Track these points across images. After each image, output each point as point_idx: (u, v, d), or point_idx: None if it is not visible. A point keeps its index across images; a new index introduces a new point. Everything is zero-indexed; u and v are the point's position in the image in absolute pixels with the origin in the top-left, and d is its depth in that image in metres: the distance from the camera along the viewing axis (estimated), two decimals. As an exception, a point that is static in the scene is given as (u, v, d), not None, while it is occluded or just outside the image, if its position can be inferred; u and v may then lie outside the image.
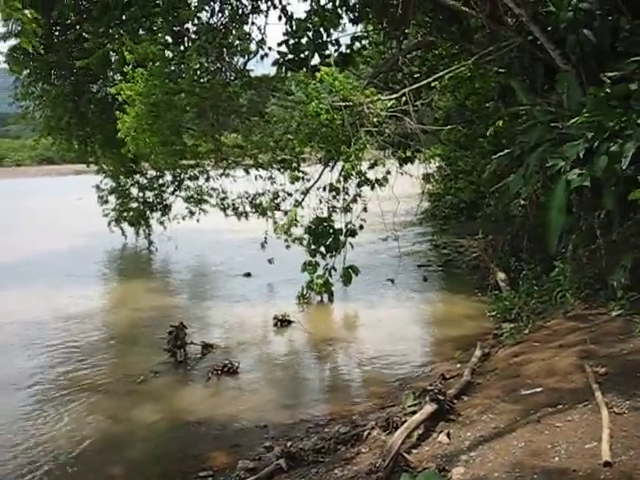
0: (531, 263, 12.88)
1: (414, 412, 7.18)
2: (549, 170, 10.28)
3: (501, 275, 13.41)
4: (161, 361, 10.04)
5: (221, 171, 17.64)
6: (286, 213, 13.93)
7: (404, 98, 13.56)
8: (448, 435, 6.43)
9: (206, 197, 20.26)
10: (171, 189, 22.01)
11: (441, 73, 12.91)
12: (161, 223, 22.25)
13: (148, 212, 22.53)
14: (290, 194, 14.50)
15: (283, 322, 12.00)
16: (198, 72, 15.25)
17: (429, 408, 6.77)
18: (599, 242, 10.45)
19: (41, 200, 39.59)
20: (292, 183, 14.08)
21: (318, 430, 7.43)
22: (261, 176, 15.46)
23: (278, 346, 11.14)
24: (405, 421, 6.74)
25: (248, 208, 16.02)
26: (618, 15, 11.30)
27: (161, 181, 22.06)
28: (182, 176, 20.99)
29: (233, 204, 16.70)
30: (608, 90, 10.17)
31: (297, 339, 11.56)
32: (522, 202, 12.70)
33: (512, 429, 6.21)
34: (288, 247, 13.97)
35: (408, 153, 15.39)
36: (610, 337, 8.40)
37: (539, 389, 7.10)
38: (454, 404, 7.15)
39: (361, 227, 14.27)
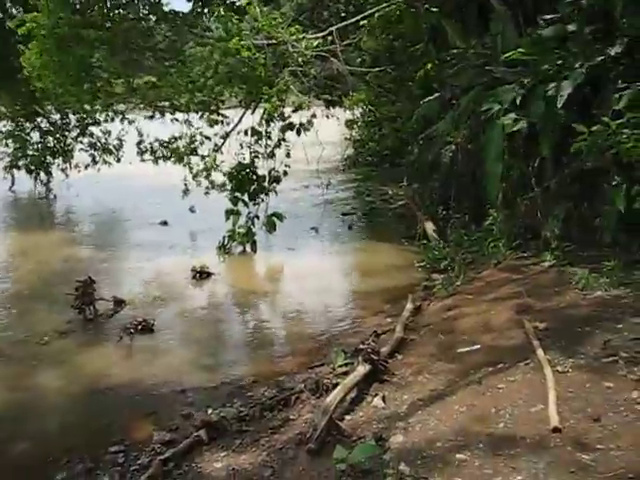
0: (460, 212, 12.56)
1: (345, 373, 6.73)
2: (483, 115, 9.82)
3: (429, 224, 13.03)
4: (68, 319, 9.17)
5: (136, 114, 16.50)
6: (204, 158, 13.06)
7: (330, 37, 12.84)
8: (383, 399, 5.98)
9: (111, 146, 19.21)
10: (74, 134, 20.66)
11: (370, 11, 12.19)
12: (62, 170, 20.95)
13: (49, 158, 21.10)
14: (209, 138, 13.60)
15: (202, 274, 11.25)
16: (108, 4, 14.05)
17: (362, 369, 6.29)
18: (534, 191, 10.16)
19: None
20: (211, 127, 13.18)
21: (241, 394, 6.84)
22: (177, 119, 14.49)
23: (197, 300, 10.39)
24: (336, 384, 6.24)
25: (165, 152, 15.00)
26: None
27: (63, 125, 20.64)
28: (87, 120, 19.66)
29: (151, 148, 15.62)
30: (544, 31, 9.73)
31: (217, 292, 10.88)
32: (451, 148, 12.26)
33: (451, 391, 5.80)
34: (207, 194, 13.18)
35: (334, 96, 14.68)
36: (545, 289, 8.13)
37: (477, 346, 6.72)
38: (387, 363, 6.69)
39: (285, 173, 13.58)
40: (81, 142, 21.04)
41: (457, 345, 6.89)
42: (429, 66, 12.73)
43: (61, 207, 20.09)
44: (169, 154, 14.32)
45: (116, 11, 14.38)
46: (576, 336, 6.34)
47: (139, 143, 16.32)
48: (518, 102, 9.52)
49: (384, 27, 13.55)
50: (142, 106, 15.53)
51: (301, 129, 13.17)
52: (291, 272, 12.31)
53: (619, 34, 9.13)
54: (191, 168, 13.23)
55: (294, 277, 11.93)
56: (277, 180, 13.51)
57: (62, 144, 21.24)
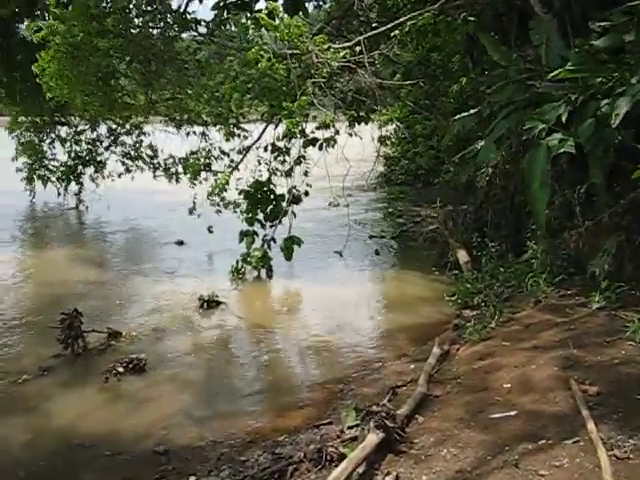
0: (496, 240, 11.45)
1: (355, 438, 5.66)
2: (525, 134, 8.72)
3: (462, 252, 11.93)
4: (55, 353, 8.24)
5: (155, 127, 15.70)
6: (217, 174, 12.12)
7: (359, 48, 11.83)
8: (397, 478, 4.89)
9: (144, 154, 18.31)
10: (106, 143, 19.88)
11: (401, 19, 11.16)
12: (93, 180, 20.16)
13: (80, 167, 20.35)
14: (226, 153, 12.68)
15: (210, 303, 10.29)
16: (127, 11, 13.24)
17: (374, 438, 5.22)
18: (581, 221, 9.03)
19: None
20: (227, 140, 12.23)
21: (232, 458, 5.81)
22: (194, 132, 13.64)
23: (200, 335, 9.36)
24: (342, 455, 5.19)
25: (180, 169, 14.13)
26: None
27: (95, 134, 19.89)
28: (118, 129, 18.87)
29: (165, 164, 14.77)
30: (596, 42, 8.60)
31: (224, 325, 9.84)
32: (488, 170, 11.16)
33: (481, 474, 4.71)
34: (219, 213, 12.25)
35: (362, 112, 13.65)
36: (595, 338, 6.99)
37: (513, 412, 5.61)
38: (406, 428, 5.61)
39: (306, 193, 12.59)
40: (114, 152, 20.21)
41: (490, 408, 5.79)
42: (465, 80, 11.65)
43: (89, 221, 19.28)
44: (184, 171, 13.42)
45: (136, 20, 13.57)
46: (637, 406, 5.22)
47: (152, 158, 15.48)
48: (564, 120, 8.42)
49: (417, 38, 12.51)
50: (161, 119, 14.71)
51: (325, 144, 12.15)
52: (308, 302, 11.29)
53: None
54: (198, 183, 12.31)
55: (311, 308, 10.91)
56: (297, 200, 12.53)
57: (94, 153, 20.50)
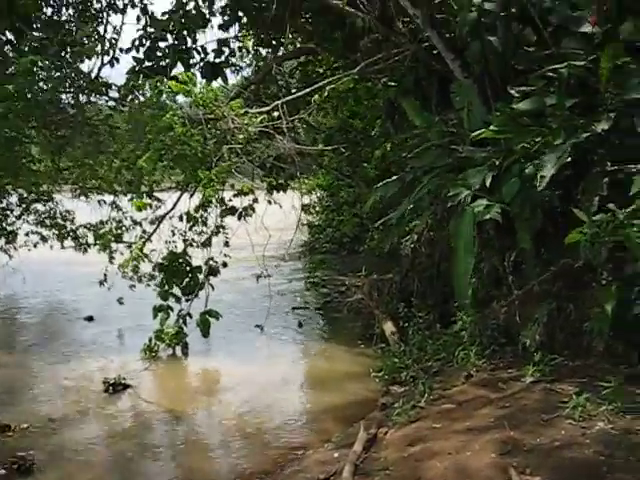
0: (423, 310, 10.97)
1: None
2: (449, 200, 8.35)
3: (388, 324, 11.42)
4: None
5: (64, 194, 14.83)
6: (130, 246, 11.36)
7: (277, 113, 11.47)
8: None
9: (59, 221, 17.26)
10: (17, 212, 18.69)
11: (320, 83, 10.85)
12: (5, 252, 18.86)
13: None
14: (138, 223, 11.95)
15: (116, 387, 9.36)
16: (32, 74, 12.52)
17: None
18: (510, 289, 8.65)
19: None
20: (139, 211, 11.50)
21: None
22: (104, 202, 12.88)
23: (102, 424, 8.38)
24: None
25: (91, 239, 13.28)
26: (522, 25, 9.63)
27: (4, 203, 18.69)
28: (30, 197, 17.76)
29: (74, 233, 13.88)
30: (517, 105, 8.41)
31: (131, 411, 8.89)
32: (413, 237, 10.76)
33: None
34: (133, 287, 11.42)
35: (281, 179, 13.21)
36: (532, 415, 6.48)
37: (450, 511, 4.95)
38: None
39: (224, 264, 11.93)
40: (27, 221, 18.94)
41: (423, 505, 5.13)
42: (387, 146, 11.37)
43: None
44: (94, 241, 12.59)
45: (41, 84, 12.85)
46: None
47: (62, 227, 14.55)
48: (489, 185, 8.12)
49: (337, 103, 12.27)
50: (70, 187, 13.90)
51: (243, 213, 11.58)
52: (227, 383, 10.45)
53: (604, 108, 7.87)
54: (112, 257, 11.51)
55: (229, 390, 10.05)
56: (215, 272, 11.84)
57: (4, 223, 19.20)
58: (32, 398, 9.25)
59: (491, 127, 8.24)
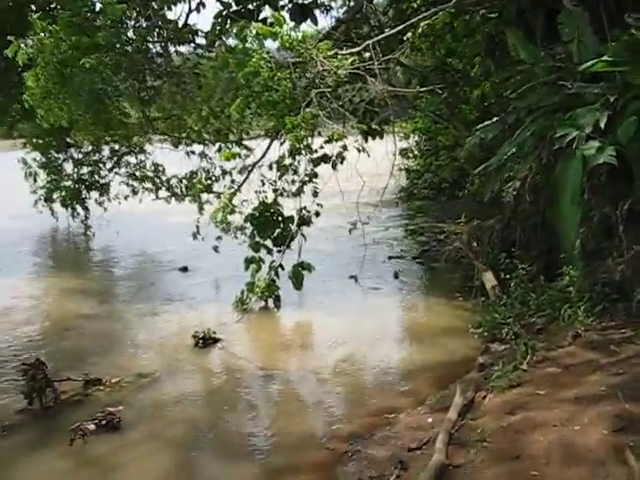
0: (526, 261, 10.23)
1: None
2: (557, 143, 7.56)
3: (488, 275, 10.76)
4: (21, 407, 7.23)
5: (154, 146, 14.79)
6: (219, 196, 11.10)
7: (368, 54, 10.79)
8: None
9: (149, 173, 17.40)
10: (109, 165, 19.00)
11: (414, 19, 10.07)
12: (99, 204, 19.30)
13: (84, 191, 19.49)
14: (228, 173, 11.65)
15: (206, 341, 9.23)
16: (120, 24, 12.31)
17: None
18: (619, 240, 7.84)
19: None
20: (227, 160, 11.18)
21: None
22: (193, 152, 12.69)
23: (190, 380, 8.24)
24: None
25: (183, 189, 13.17)
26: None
27: (97, 156, 19.02)
28: (121, 150, 17.98)
29: (168, 183, 13.82)
30: (637, 34, 7.44)
31: (218, 368, 8.77)
32: (515, 184, 9.96)
33: None
34: (219, 239, 11.16)
35: (375, 125, 12.56)
36: (650, 384, 5.79)
37: (555, 496, 4.43)
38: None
39: (317, 214, 11.51)
40: (118, 173, 19.29)
41: (525, 487, 4.64)
42: (487, 85, 10.51)
43: (95, 246, 18.37)
44: (186, 192, 12.44)
45: (130, 34, 12.62)
46: None
47: (155, 178, 14.54)
48: (603, 126, 7.27)
49: (433, 41, 11.45)
50: (159, 137, 13.79)
51: (337, 161, 11.07)
52: (318, 337, 10.22)
53: None
54: (202, 208, 11.31)
55: (321, 345, 9.77)
56: (307, 222, 11.47)
57: (97, 176, 19.65)
58: (124, 351, 9.30)
59: (605, 58, 7.33)
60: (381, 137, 12.49)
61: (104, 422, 6.72)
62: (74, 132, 15.17)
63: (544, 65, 8.83)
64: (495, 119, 9.89)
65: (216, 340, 9.35)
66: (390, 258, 14.60)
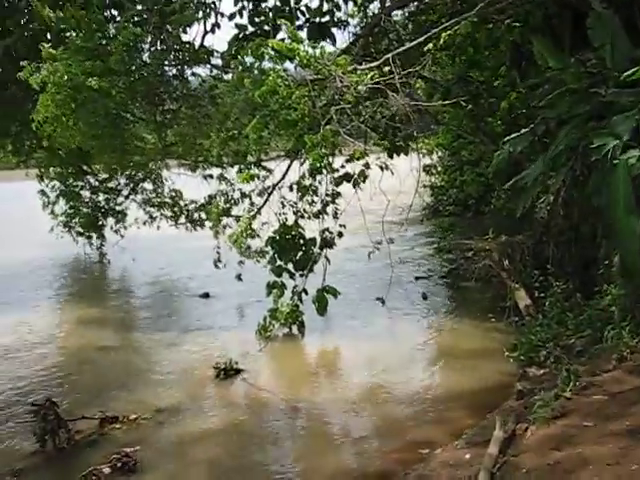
0: (560, 278, 9.72)
1: None
2: (593, 154, 7.09)
3: (521, 294, 10.28)
4: (35, 449, 6.86)
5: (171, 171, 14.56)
6: (238, 220, 10.74)
7: (388, 68, 10.43)
8: None
9: (167, 200, 17.17)
10: (125, 192, 18.86)
11: (435, 30, 9.68)
12: (116, 231, 19.18)
13: (101, 218, 19.39)
14: (247, 195, 11.28)
15: (228, 372, 8.82)
16: (133, 47, 12.08)
17: None
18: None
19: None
20: (246, 182, 10.81)
21: None
22: (211, 176, 12.40)
23: (210, 417, 7.76)
24: None
25: (202, 215, 12.85)
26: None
27: (114, 183, 18.89)
28: (137, 177, 17.81)
29: (186, 210, 13.53)
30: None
31: (243, 400, 8.34)
32: (549, 198, 9.49)
33: None
34: (242, 263, 10.79)
35: (399, 141, 12.14)
36: None
37: None
38: None
39: (340, 234, 11.10)
40: (134, 200, 19.15)
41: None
42: (513, 96, 10.07)
43: (111, 274, 18.20)
44: (204, 217, 12.12)
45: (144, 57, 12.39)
46: None
47: (173, 206, 14.27)
48: (640, 132, 6.81)
49: (454, 52, 11.05)
50: (176, 162, 13.54)
51: (359, 180, 10.66)
52: (345, 365, 9.82)
53: None
54: (217, 233, 11.01)
55: (348, 373, 9.36)
56: (329, 244, 11.06)
57: (113, 203, 19.53)
58: (143, 385, 8.93)
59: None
60: (406, 154, 12.06)
61: (119, 465, 6.32)
62: (90, 159, 14.96)
63: (574, 72, 8.37)
64: (523, 131, 9.44)
65: (238, 371, 8.95)
66: (417, 279, 14.15)
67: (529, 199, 9.25)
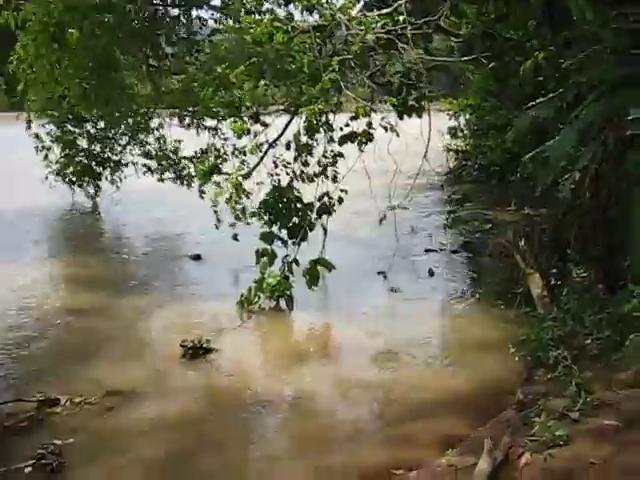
0: (582, 265, 8.59)
1: None
2: (630, 126, 5.94)
3: (536, 281, 9.15)
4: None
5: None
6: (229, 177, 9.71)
7: (402, 17, 9.28)
8: None
9: (168, 152, 16.18)
10: (123, 142, 17.93)
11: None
12: (112, 182, 18.38)
13: (96, 167, 18.54)
14: (241, 151, 10.18)
15: (196, 351, 7.86)
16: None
17: None
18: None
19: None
20: (239, 137, 9.72)
21: None
22: (204, 125, 11.39)
23: (165, 405, 6.80)
24: None
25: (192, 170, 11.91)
26: None
27: (112, 132, 17.93)
28: (136, 127, 16.78)
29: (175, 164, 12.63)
30: None
31: (204, 389, 7.34)
32: (575, 175, 8.31)
33: None
34: (233, 226, 9.79)
35: (411, 101, 10.88)
36: None
37: None
38: None
39: (340, 200, 10.01)
40: (131, 153, 18.19)
41: None
42: (541, 55, 8.82)
43: (103, 226, 17.42)
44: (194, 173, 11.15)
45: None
46: None
47: (161, 157, 13.32)
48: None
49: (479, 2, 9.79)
50: (168, 111, 12.53)
51: (362, 140, 9.52)
52: (334, 348, 8.88)
53: None
54: (203, 192, 10.04)
55: (336, 358, 8.38)
56: (328, 211, 10.01)
57: (111, 152, 18.65)
58: (103, 359, 7.97)
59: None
60: (419, 115, 10.83)
61: (42, 462, 5.42)
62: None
63: (615, 28, 7.14)
64: (551, 96, 8.27)
65: (209, 350, 7.97)
66: (427, 251, 13.02)
67: (551, 175, 8.12)
